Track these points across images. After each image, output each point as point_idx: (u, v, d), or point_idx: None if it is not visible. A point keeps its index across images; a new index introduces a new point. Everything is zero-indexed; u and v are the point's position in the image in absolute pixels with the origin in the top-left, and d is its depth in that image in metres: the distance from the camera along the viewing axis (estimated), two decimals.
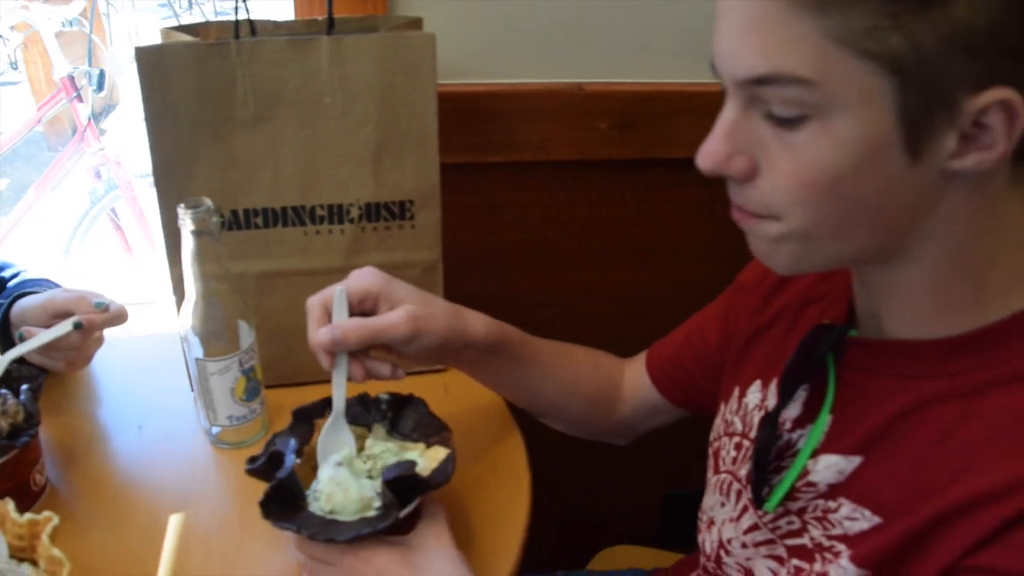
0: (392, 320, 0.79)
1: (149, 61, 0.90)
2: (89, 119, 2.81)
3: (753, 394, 0.78)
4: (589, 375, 0.98)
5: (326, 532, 0.70)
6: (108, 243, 2.98)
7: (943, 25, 0.49)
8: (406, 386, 0.86)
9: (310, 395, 0.85)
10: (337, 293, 0.79)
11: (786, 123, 0.55)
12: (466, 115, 1.18)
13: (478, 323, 0.86)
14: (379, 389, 0.85)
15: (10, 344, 0.98)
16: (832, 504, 0.65)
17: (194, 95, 0.91)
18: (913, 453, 0.60)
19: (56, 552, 0.67)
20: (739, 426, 0.79)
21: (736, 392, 0.81)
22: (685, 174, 1.24)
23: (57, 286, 1.08)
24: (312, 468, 0.79)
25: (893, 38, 0.50)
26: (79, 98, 2.85)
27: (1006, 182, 0.56)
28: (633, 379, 0.98)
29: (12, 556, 0.70)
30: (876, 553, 0.60)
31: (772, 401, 0.75)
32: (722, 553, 0.78)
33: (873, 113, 0.53)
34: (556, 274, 1.36)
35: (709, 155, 0.59)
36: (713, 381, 0.88)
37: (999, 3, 0.49)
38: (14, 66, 4.08)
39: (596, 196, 1.30)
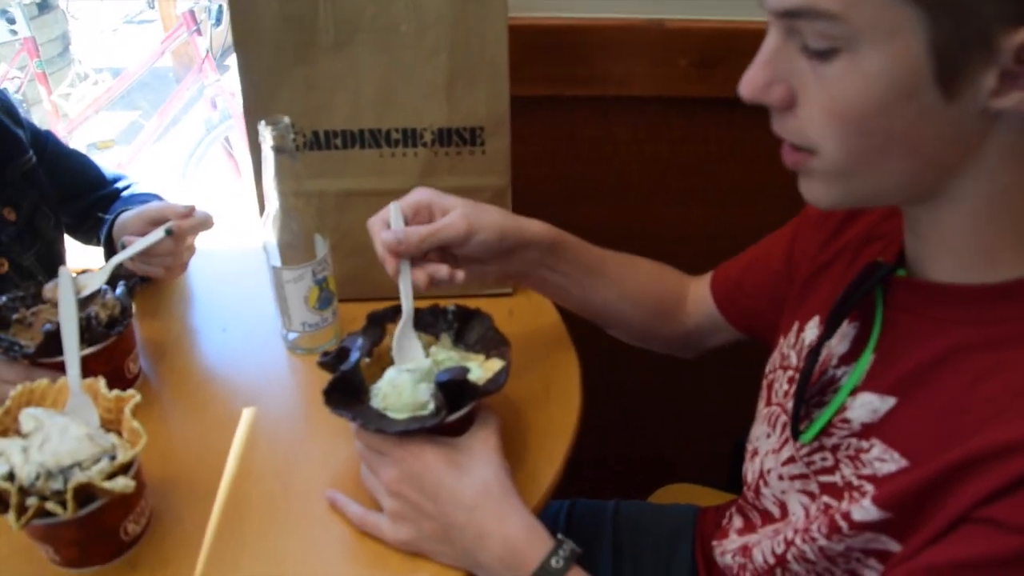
0: (447, 220, 0.85)
1: None
2: (207, 51, 2.97)
3: (811, 330, 0.80)
4: (653, 285, 1.01)
5: (378, 423, 0.77)
6: (220, 168, 3.16)
7: None
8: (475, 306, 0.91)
9: None
10: (392, 207, 0.86)
11: (819, 55, 0.56)
12: (549, 48, 1.22)
13: (534, 223, 0.91)
14: (451, 303, 0.91)
15: (115, 253, 1.10)
16: (865, 444, 0.66)
17: (279, 21, 0.98)
18: (944, 399, 0.61)
19: (135, 424, 0.77)
20: (794, 360, 0.81)
21: (795, 326, 0.83)
22: (767, 113, 1.26)
23: (162, 199, 1.19)
24: (381, 368, 0.85)
25: None
26: (199, 32, 3.01)
27: None
28: (698, 295, 1.01)
29: (101, 426, 0.80)
30: (898, 496, 0.61)
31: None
32: (761, 484, 0.80)
33: (903, 48, 0.53)
34: (637, 210, 1.39)
35: (749, 82, 0.61)
36: (772, 307, 0.90)
37: None
38: (151, 5, 4.34)
39: (678, 133, 1.32)
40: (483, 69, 1.02)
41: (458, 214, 0.86)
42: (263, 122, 0.91)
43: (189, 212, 1.06)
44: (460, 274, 0.87)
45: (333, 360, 0.83)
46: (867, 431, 0.66)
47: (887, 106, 0.55)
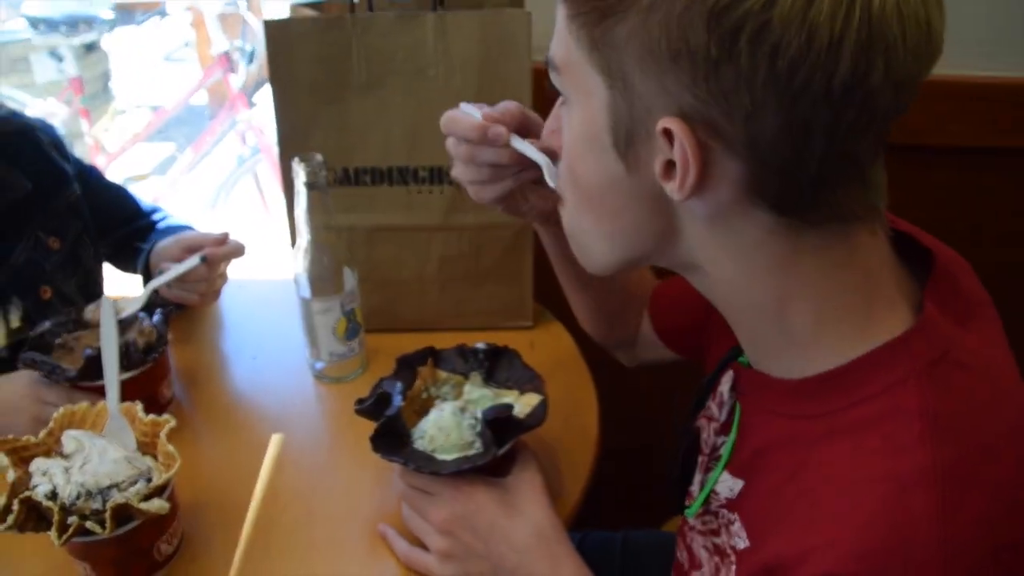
0: None
1: (276, 33, 1.00)
2: (240, 90, 3.02)
3: (725, 383, 0.74)
4: (636, 273, 0.98)
5: (430, 465, 0.77)
6: (250, 201, 3.19)
7: (620, 41, 0.50)
8: (500, 341, 0.92)
9: (408, 341, 0.94)
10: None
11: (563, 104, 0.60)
12: None
13: None
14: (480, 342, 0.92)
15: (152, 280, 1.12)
16: (732, 516, 0.64)
17: (314, 63, 1.01)
18: (767, 491, 0.60)
19: (170, 448, 0.78)
20: (715, 412, 0.75)
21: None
22: None
23: (196, 230, 1.21)
24: (413, 411, 0.86)
25: (583, 37, 0.53)
26: (232, 71, 3.07)
27: (767, 230, 0.54)
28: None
29: (138, 449, 0.81)
30: None
31: (724, 387, 0.72)
32: (687, 529, 0.78)
33: (592, 110, 0.55)
34: None
35: (544, 127, 0.66)
36: (696, 333, 0.86)
37: (669, 33, 0.48)
38: (187, 44, 4.45)
39: None
40: None
41: None
42: (297, 159, 0.92)
43: (223, 240, 1.08)
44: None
45: (372, 406, 0.82)
46: (731, 506, 0.65)
47: (583, 158, 0.58)
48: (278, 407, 1.02)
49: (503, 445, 0.78)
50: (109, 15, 3.83)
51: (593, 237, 0.62)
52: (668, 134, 0.51)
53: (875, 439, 0.53)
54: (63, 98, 3.49)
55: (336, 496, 0.89)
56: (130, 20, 4.74)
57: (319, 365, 1.04)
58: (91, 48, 3.75)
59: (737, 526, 0.63)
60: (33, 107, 3.40)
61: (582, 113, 0.57)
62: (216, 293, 1.12)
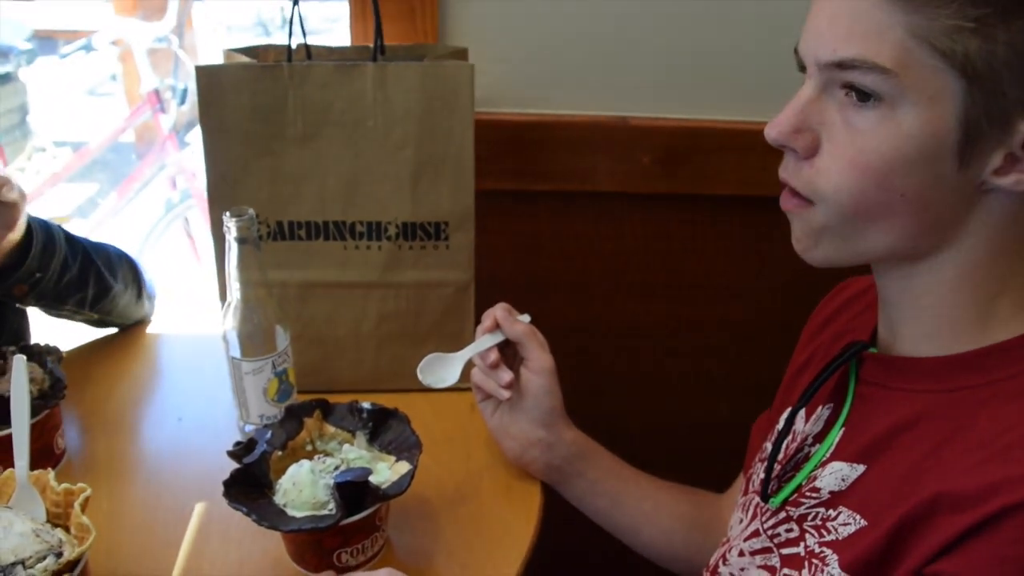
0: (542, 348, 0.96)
1: (208, 79, 1.01)
2: (171, 131, 3.01)
3: (783, 421, 0.81)
4: (686, 496, 1.01)
5: (272, 520, 0.79)
6: (179, 250, 3.16)
7: (1019, 37, 0.56)
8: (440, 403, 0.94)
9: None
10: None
11: (861, 99, 0.61)
12: (514, 143, 1.26)
13: (572, 431, 0.99)
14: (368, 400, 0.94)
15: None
16: (832, 512, 0.69)
17: (248, 112, 1.02)
18: (907, 463, 0.65)
19: (85, 520, 0.77)
20: (769, 450, 0.82)
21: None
22: (730, 211, 1.31)
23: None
24: (295, 462, 0.87)
25: (972, 42, 0.57)
26: (162, 110, 3.06)
27: None
28: (731, 505, 0.98)
29: (48, 521, 0.80)
30: (861, 558, 0.65)
31: (799, 424, 0.80)
32: (720, 563, 0.82)
33: (938, 112, 0.59)
34: (598, 305, 1.42)
35: (777, 125, 0.65)
36: None
37: None
38: (113, 78, 4.40)
39: (640, 229, 1.36)
40: (449, 165, 1.06)
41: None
42: (228, 213, 0.93)
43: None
44: (506, 393, 0.96)
45: (242, 451, 0.86)
46: (835, 499, 0.70)
47: (910, 165, 0.61)
48: (204, 473, 0.99)
49: (359, 511, 0.80)
50: (27, 45, 3.79)
51: (869, 235, 0.65)
52: None
53: None
54: None
55: (265, 569, 0.88)
56: (51, 50, 4.69)
57: (249, 428, 1.03)
58: (7, 79, 3.70)
59: (845, 515, 0.68)
60: None
61: (922, 118, 0.60)
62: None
